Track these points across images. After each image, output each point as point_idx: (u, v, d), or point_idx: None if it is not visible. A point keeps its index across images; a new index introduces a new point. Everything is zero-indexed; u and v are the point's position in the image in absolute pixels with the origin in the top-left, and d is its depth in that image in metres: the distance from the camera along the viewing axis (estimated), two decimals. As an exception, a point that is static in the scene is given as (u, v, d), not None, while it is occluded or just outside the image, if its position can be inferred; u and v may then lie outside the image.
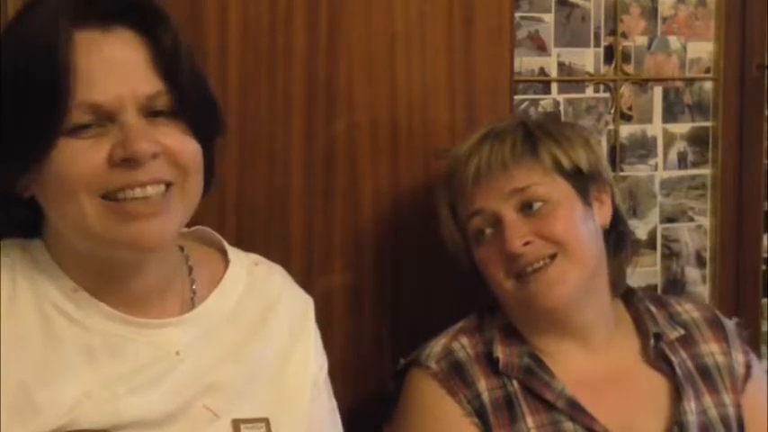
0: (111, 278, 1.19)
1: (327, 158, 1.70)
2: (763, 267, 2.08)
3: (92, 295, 1.18)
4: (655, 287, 2.02)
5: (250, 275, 1.32)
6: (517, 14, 1.87)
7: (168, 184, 1.15)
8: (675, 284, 2.05)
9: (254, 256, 1.36)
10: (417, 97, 1.74)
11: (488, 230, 1.52)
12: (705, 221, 2.07)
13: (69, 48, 1.10)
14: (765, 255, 2.09)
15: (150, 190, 1.13)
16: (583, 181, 1.54)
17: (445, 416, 1.49)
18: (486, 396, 1.49)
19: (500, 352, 1.52)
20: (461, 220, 1.55)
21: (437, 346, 1.54)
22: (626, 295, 1.64)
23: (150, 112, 1.14)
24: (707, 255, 2.07)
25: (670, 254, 2.05)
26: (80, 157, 1.11)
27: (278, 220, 1.68)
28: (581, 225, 1.52)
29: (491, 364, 1.52)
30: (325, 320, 1.70)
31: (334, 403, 1.38)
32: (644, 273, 2.01)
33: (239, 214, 1.66)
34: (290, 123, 1.68)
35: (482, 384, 1.50)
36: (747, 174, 2.05)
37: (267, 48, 1.65)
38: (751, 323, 2.02)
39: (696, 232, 2.07)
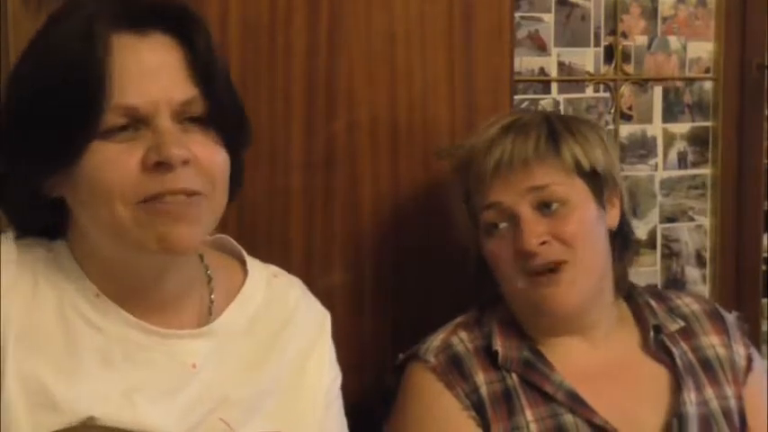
0: (132, 284, 1.19)
1: (327, 158, 1.70)
2: (763, 267, 2.09)
3: (113, 301, 1.18)
4: (655, 287, 2.02)
5: (268, 287, 1.31)
6: (517, 14, 1.87)
7: (196, 194, 1.14)
8: (675, 284, 2.05)
9: (273, 268, 1.36)
10: (417, 97, 1.74)
11: (502, 224, 1.51)
12: (705, 221, 2.07)
13: (106, 50, 1.10)
14: (765, 255, 2.09)
15: (175, 198, 1.12)
16: (599, 183, 1.54)
17: (443, 409, 1.49)
18: (484, 390, 1.49)
19: (499, 345, 1.52)
20: (475, 209, 1.54)
21: (436, 340, 1.54)
22: (627, 291, 1.64)
23: (183, 118, 1.14)
24: (707, 254, 2.07)
25: (670, 254, 2.06)
26: (113, 161, 1.10)
27: (278, 220, 1.68)
28: (594, 229, 1.52)
29: (490, 357, 1.52)
30: (325, 320, 1.71)
31: (344, 418, 1.38)
32: (644, 272, 2.01)
33: (239, 214, 1.66)
34: (290, 123, 1.68)
35: (480, 378, 1.50)
36: (747, 174, 2.05)
37: (267, 48, 1.65)
38: (751, 323, 2.02)
39: (696, 232, 2.07)
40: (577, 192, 1.51)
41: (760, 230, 2.08)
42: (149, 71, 1.12)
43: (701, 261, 2.07)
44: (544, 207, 1.49)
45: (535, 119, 1.55)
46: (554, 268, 1.48)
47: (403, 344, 1.62)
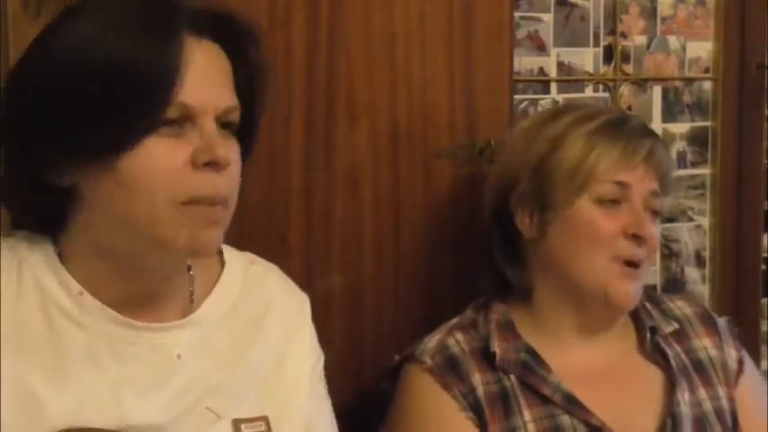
0: (123, 281, 1.19)
1: (327, 158, 1.70)
2: (763, 267, 2.09)
3: (97, 298, 1.18)
4: (654, 287, 2.02)
5: (246, 275, 1.32)
6: (517, 14, 1.87)
7: (227, 200, 1.17)
8: (675, 284, 2.05)
9: (249, 255, 1.36)
10: (417, 97, 1.74)
11: (617, 204, 1.51)
12: (705, 221, 2.07)
13: (180, 48, 1.12)
14: (765, 255, 2.09)
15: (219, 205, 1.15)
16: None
17: (440, 410, 1.49)
18: (480, 390, 1.49)
19: (497, 347, 1.52)
20: (597, 175, 1.51)
21: (431, 341, 1.55)
22: None
23: (220, 123, 1.16)
24: (706, 254, 2.07)
25: (670, 254, 2.06)
26: (162, 154, 1.12)
27: (278, 220, 1.68)
28: None
29: (486, 359, 1.52)
30: (324, 320, 1.70)
31: (328, 399, 1.38)
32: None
33: (239, 214, 1.65)
34: (289, 123, 1.67)
35: (476, 379, 1.50)
36: (747, 174, 2.05)
37: (267, 48, 1.65)
38: (751, 323, 2.03)
39: (696, 232, 2.07)
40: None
41: (760, 230, 2.08)
42: (205, 73, 1.14)
43: (700, 261, 2.07)
44: (651, 212, 1.53)
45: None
46: (636, 266, 1.51)
47: (403, 345, 1.62)
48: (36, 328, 1.16)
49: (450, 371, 1.51)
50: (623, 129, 1.54)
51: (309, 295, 1.69)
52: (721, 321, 1.65)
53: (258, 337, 1.28)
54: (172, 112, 1.12)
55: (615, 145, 1.51)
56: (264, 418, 1.24)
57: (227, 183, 1.16)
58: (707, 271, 2.07)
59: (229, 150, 1.16)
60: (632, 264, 1.50)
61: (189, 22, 1.14)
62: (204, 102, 1.13)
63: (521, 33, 1.91)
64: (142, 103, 1.10)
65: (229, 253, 1.33)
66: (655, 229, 1.52)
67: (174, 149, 1.12)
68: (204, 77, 1.14)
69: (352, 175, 1.71)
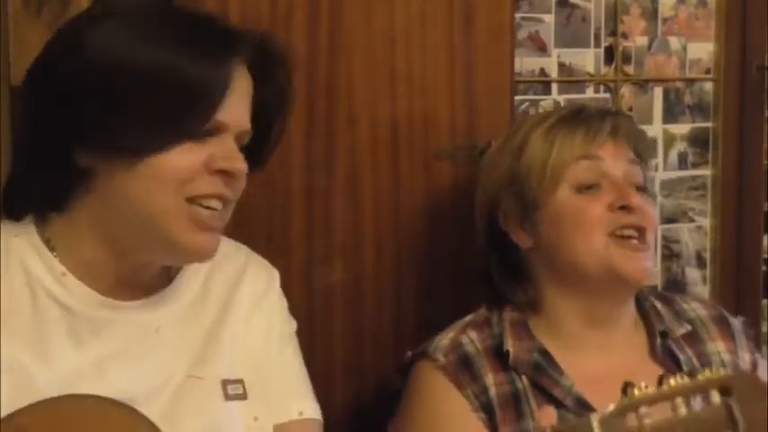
0: (111, 264, 1.25)
1: (327, 158, 1.70)
2: (764, 268, 2.09)
3: (81, 279, 1.24)
4: (655, 288, 2.02)
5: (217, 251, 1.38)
6: (517, 15, 1.87)
7: (229, 202, 1.26)
8: (676, 285, 2.05)
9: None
10: (417, 97, 1.74)
11: (596, 186, 1.52)
12: (705, 222, 2.07)
13: (231, 71, 1.21)
14: (765, 255, 2.09)
15: (219, 205, 1.23)
16: (648, 188, 1.61)
17: (452, 409, 1.48)
18: (493, 391, 1.48)
19: (510, 346, 1.52)
20: (565, 159, 1.53)
21: (445, 339, 1.54)
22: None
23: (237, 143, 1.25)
24: (707, 255, 2.07)
25: (670, 254, 2.06)
26: (183, 156, 1.19)
27: (278, 220, 1.68)
28: None
29: (499, 358, 1.52)
30: (325, 320, 1.71)
31: (301, 358, 1.42)
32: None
33: (239, 214, 1.66)
34: (290, 123, 1.67)
35: (490, 379, 1.49)
36: (747, 174, 2.05)
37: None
38: (751, 324, 2.02)
39: (696, 233, 2.07)
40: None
41: (760, 231, 2.08)
42: (240, 95, 1.24)
43: (701, 262, 2.07)
44: (634, 186, 1.53)
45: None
46: (637, 238, 1.50)
47: (403, 344, 1.62)
48: (22, 308, 1.21)
49: (463, 370, 1.50)
50: (580, 117, 1.55)
51: (309, 295, 1.70)
52: (736, 323, 1.64)
53: (231, 307, 1.34)
54: (207, 126, 1.20)
55: (575, 132, 1.53)
56: (241, 381, 1.30)
57: (233, 191, 1.24)
58: (707, 272, 2.07)
59: (243, 162, 1.24)
60: (629, 236, 1.50)
61: (242, 50, 1.23)
62: (233, 121, 1.23)
63: (522, 34, 1.91)
64: (186, 116, 1.19)
65: None
66: (641, 200, 1.51)
67: (195, 153, 1.20)
68: (238, 100, 1.23)
69: (352, 175, 1.71)
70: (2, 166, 1.46)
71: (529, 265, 1.58)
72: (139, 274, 1.27)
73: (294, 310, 1.69)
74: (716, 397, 1.12)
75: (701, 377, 1.14)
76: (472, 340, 1.53)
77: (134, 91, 1.17)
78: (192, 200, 1.20)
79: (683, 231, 2.06)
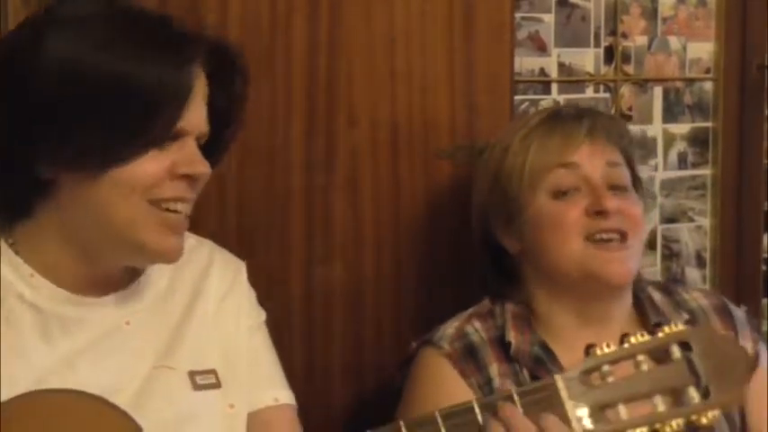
0: (79, 267, 1.25)
1: (327, 158, 1.70)
2: (764, 267, 2.09)
3: (47, 279, 1.25)
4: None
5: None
6: (517, 15, 1.87)
7: (190, 202, 1.26)
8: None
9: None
10: (417, 97, 1.74)
11: (573, 190, 1.52)
12: (705, 222, 2.07)
13: (193, 78, 1.21)
14: (765, 255, 2.09)
15: (183, 207, 1.24)
16: (637, 181, 1.60)
17: (456, 396, 1.48)
18: (497, 382, 1.49)
19: (512, 337, 1.52)
20: (542, 166, 1.53)
21: (450, 328, 1.54)
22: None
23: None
24: (707, 255, 2.07)
25: (670, 254, 2.06)
26: (146, 164, 1.19)
27: (278, 220, 1.68)
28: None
29: (503, 348, 1.52)
30: (325, 320, 1.72)
31: (272, 345, 1.42)
32: (644, 273, 2.01)
33: (239, 214, 1.66)
34: (290, 123, 1.68)
35: (494, 369, 1.50)
36: (747, 174, 2.05)
37: (267, 48, 1.66)
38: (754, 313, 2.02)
39: (696, 233, 2.07)
40: (630, 182, 1.57)
41: (760, 231, 2.08)
42: (199, 100, 1.23)
43: (701, 262, 2.07)
44: (613, 188, 1.52)
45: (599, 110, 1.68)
46: (618, 239, 1.50)
47: (403, 344, 1.62)
48: None
49: (468, 359, 1.51)
50: (557, 119, 1.56)
51: (309, 295, 1.70)
52: (739, 313, 1.64)
53: (198, 300, 1.35)
54: (170, 135, 1.20)
55: (551, 136, 1.53)
56: (213, 371, 1.31)
57: (195, 191, 1.26)
58: (707, 271, 2.07)
59: (205, 165, 1.24)
60: (608, 239, 1.49)
61: (200, 53, 1.23)
62: (194, 125, 1.23)
63: (521, 34, 1.91)
64: (149, 126, 1.18)
65: None
66: (619, 202, 1.51)
67: (158, 161, 1.20)
68: (197, 103, 1.23)
69: (352, 175, 1.71)
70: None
71: (520, 268, 1.58)
72: (106, 273, 1.28)
73: (294, 310, 1.70)
74: (676, 352, 1.15)
75: (660, 334, 1.16)
76: (477, 330, 1.54)
77: (94, 103, 1.16)
78: (155, 203, 1.21)
79: (683, 231, 2.06)
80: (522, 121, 1.60)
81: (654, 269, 2.03)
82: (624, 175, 1.55)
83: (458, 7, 1.75)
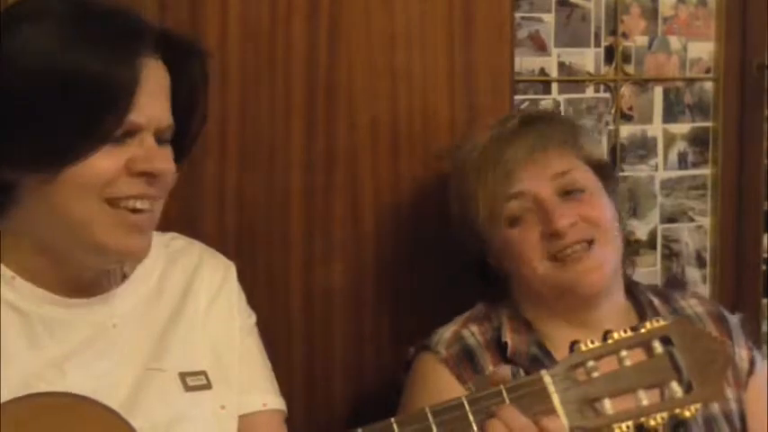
0: (57, 271, 1.24)
1: (327, 158, 1.70)
2: (763, 267, 2.08)
3: (30, 281, 1.23)
4: (655, 286, 2.02)
5: (168, 248, 1.37)
6: (517, 15, 1.87)
7: (158, 200, 1.24)
8: (676, 285, 2.05)
9: (170, 233, 1.41)
10: (417, 97, 1.74)
11: (527, 213, 1.52)
12: (705, 221, 2.07)
13: (138, 70, 1.18)
14: (765, 255, 2.09)
15: (145, 205, 1.21)
16: (605, 175, 1.59)
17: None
18: None
19: (509, 338, 1.53)
20: (495, 199, 1.54)
21: (447, 332, 1.55)
22: (629, 288, 1.65)
23: (156, 138, 1.22)
24: (707, 255, 2.07)
25: (670, 254, 2.05)
26: (101, 162, 1.17)
27: (278, 220, 1.68)
28: (612, 216, 1.56)
29: (500, 350, 1.53)
30: (325, 320, 1.72)
31: (262, 348, 1.41)
32: (644, 273, 2.01)
33: (239, 213, 1.66)
34: (290, 123, 1.68)
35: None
36: (747, 174, 2.05)
37: (267, 47, 1.66)
38: (751, 323, 2.02)
39: (696, 232, 2.07)
40: (592, 179, 1.56)
41: (760, 230, 2.07)
42: (153, 92, 1.20)
43: (701, 261, 2.07)
44: (566, 193, 1.52)
45: (544, 113, 1.64)
46: (578, 252, 1.50)
47: (403, 344, 1.62)
48: None
49: (465, 363, 1.51)
50: (498, 143, 1.55)
51: (309, 295, 1.70)
52: (734, 320, 1.65)
53: (188, 301, 1.34)
54: (121, 129, 1.17)
55: (495, 167, 1.53)
56: (203, 372, 1.30)
57: (159, 189, 1.23)
58: (707, 271, 2.07)
59: (166, 161, 1.22)
60: (571, 253, 1.50)
61: (147, 43, 1.20)
62: (149, 119, 1.20)
63: (521, 33, 1.91)
64: (97, 121, 1.16)
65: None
66: (573, 211, 1.50)
67: (113, 158, 1.18)
68: (151, 96, 1.20)
69: (352, 175, 1.71)
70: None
71: (506, 280, 1.60)
72: (87, 275, 1.26)
73: (294, 310, 1.70)
74: (658, 347, 1.17)
75: (642, 329, 1.17)
76: (473, 333, 1.55)
77: (40, 100, 1.15)
78: (113, 202, 1.19)
79: (683, 231, 2.06)
80: (470, 143, 1.60)
81: (654, 269, 2.03)
82: (578, 178, 1.54)
83: (458, 7, 1.75)
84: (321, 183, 1.70)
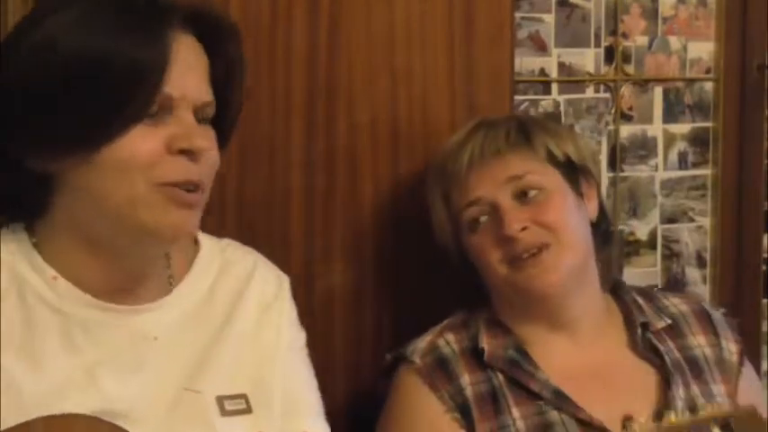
0: (101, 267, 1.21)
1: (327, 158, 1.70)
2: (764, 267, 2.08)
3: (73, 283, 1.20)
4: (655, 287, 2.02)
5: (222, 255, 1.34)
6: (517, 15, 1.87)
7: (202, 187, 1.19)
8: (676, 285, 2.05)
9: (225, 240, 1.38)
10: (417, 97, 1.74)
11: (484, 218, 1.54)
12: (705, 222, 2.07)
13: (167, 43, 1.15)
14: (765, 255, 2.09)
15: (191, 189, 1.17)
16: (573, 173, 1.58)
17: (426, 412, 1.51)
18: (469, 391, 1.50)
19: (485, 343, 1.54)
20: (455, 209, 1.57)
21: (422, 342, 1.56)
22: (614, 288, 1.66)
23: (196, 117, 1.19)
24: (707, 255, 2.07)
25: (670, 254, 2.05)
26: (141, 141, 1.14)
27: (278, 220, 1.68)
28: (574, 214, 1.55)
29: (476, 358, 1.54)
30: (325, 319, 1.72)
31: (311, 367, 1.38)
32: (644, 273, 2.01)
33: (239, 213, 1.66)
34: (290, 123, 1.68)
35: (466, 379, 1.52)
36: (747, 174, 2.05)
37: (267, 47, 1.66)
38: (751, 323, 2.02)
39: (696, 232, 2.07)
40: (553, 180, 1.55)
41: (760, 231, 2.07)
42: (187, 67, 1.18)
43: (701, 262, 2.07)
44: (522, 195, 1.52)
45: (503, 117, 1.62)
46: (536, 252, 1.50)
47: (403, 343, 1.62)
48: (11, 312, 1.18)
49: (438, 371, 1.52)
50: (454, 153, 1.56)
51: (309, 295, 1.70)
52: (717, 315, 1.66)
53: (236, 316, 1.30)
54: (154, 105, 1.15)
55: (450, 179, 1.56)
56: (244, 396, 1.26)
57: (202, 169, 1.18)
58: (708, 271, 2.07)
59: (207, 139, 1.18)
60: (529, 256, 1.50)
61: (174, 18, 1.17)
62: (185, 94, 1.17)
63: (522, 34, 1.91)
64: (127, 98, 1.13)
65: (205, 237, 1.35)
66: (526, 215, 1.51)
67: (151, 136, 1.15)
68: (186, 71, 1.17)
69: (352, 175, 1.71)
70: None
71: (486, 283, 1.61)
72: (133, 279, 1.23)
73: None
74: None
75: (702, 412, 1.15)
76: (448, 342, 1.56)
77: (71, 83, 1.13)
78: (162, 185, 1.15)
79: (684, 231, 2.06)
80: (439, 156, 1.62)
81: (654, 269, 2.03)
82: (534, 181, 1.53)
83: (458, 7, 1.75)
84: (321, 183, 1.70)
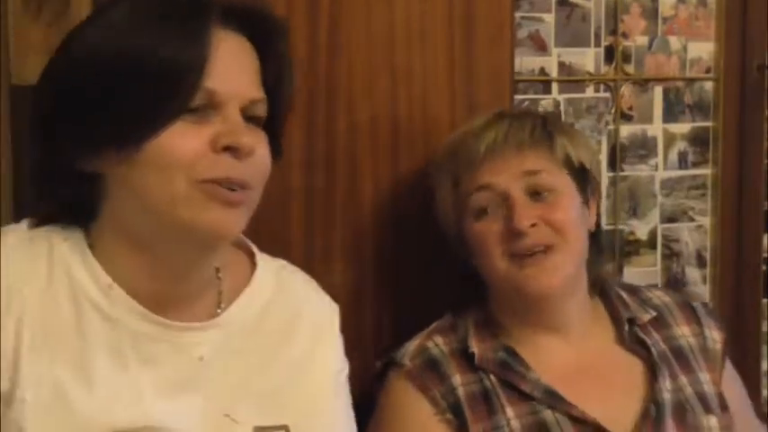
0: (151, 276, 1.19)
1: (327, 158, 1.70)
2: (764, 267, 2.08)
3: (127, 292, 1.19)
4: (655, 287, 2.02)
5: (278, 279, 1.33)
6: (517, 14, 1.87)
7: (248, 187, 1.18)
8: (676, 284, 2.05)
9: (282, 262, 1.38)
10: (417, 97, 1.74)
11: (492, 207, 1.53)
12: (705, 221, 2.07)
13: (208, 39, 1.15)
14: (765, 255, 2.09)
15: (237, 188, 1.16)
16: (584, 180, 1.58)
17: (416, 415, 1.51)
18: (461, 391, 1.50)
19: (475, 347, 1.54)
20: (463, 193, 1.56)
21: (411, 345, 1.57)
22: (598, 286, 1.66)
23: (246, 117, 1.18)
24: (707, 255, 2.07)
25: (670, 254, 2.05)
26: (184, 136, 1.13)
27: (278, 219, 1.68)
28: (579, 219, 1.56)
29: (466, 359, 1.54)
30: (324, 320, 1.71)
31: (351, 409, 1.38)
32: (644, 273, 2.01)
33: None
34: (290, 123, 1.67)
35: (457, 379, 1.52)
36: (747, 174, 2.05)
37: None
38: (751, 323, 2.02)
39: (696, 232, 2.07)
40: (565, 183, 1.55)
41: (760, 230, 2.07)
42: (233, 63, 1.17)
43: (701, 261, 2.07)
44: (535, 194, 1.52)
45: (527, 111, 1.64)
46: (537, 253, 1.50)
47: (403, 343, 1.62)
48: (65, 319, 1.16)
49: (428, 373, 1.53)
50: (469, 139, 1.56)
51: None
52: (699, 306, 1.67)
53: (285, 344, 1.28)
54: (197, 100, 1.14)
55: (462, 162, 1.55)
56: (285, 427, 1.24)
57: (248, 169, 1.17)
58: (708, 271, 2.07)
59: (254, 139, 1.17)
60: (531, 254, 1.50)
61: (217, 15, 1.16)
62: (229, 90, 1.16)
63: (522, 33, 1.91)
64: (167, 93, 1.12)
65: (261, 256, 1.34)
66: (537, 212, 1.51)
67: (194, 134, 1.13)
68: (231, 68, 1.16)
69: (352, 175, 1.71)
70: (2, 165, 1.47)
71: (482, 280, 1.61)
72: (183, 292, 1.21)
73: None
74: None
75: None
76: (437, 344, 1.56)
77: (112, 80, 1.13)
78: (204, 182, 1.14)
79: (684, 231, 2.06)
80: (453, 139, 1.62)
81: (654, 269, 2.03)
82: (548, 180, 1.53)
83: (458, 7, 1.75)
84: (321, 182, 1.70)
